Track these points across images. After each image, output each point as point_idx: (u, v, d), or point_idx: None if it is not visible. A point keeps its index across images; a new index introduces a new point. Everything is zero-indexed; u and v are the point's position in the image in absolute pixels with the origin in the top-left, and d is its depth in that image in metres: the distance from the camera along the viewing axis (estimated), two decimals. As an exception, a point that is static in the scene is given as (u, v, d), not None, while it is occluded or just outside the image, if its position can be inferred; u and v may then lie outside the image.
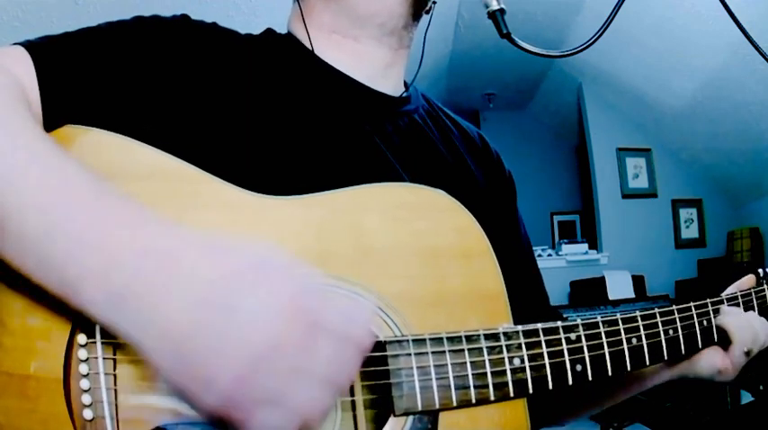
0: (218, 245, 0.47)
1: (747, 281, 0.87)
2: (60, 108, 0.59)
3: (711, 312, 0.78)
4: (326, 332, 0.45)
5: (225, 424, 0.45)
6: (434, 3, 0.79)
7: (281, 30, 0.82)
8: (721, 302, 0.80)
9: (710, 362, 0.79)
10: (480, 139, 0.91)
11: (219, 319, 0.43)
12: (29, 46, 0.61)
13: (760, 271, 0.87)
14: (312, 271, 0.48)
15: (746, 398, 3.18)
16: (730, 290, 0.86)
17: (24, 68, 0.59)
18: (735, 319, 0.78)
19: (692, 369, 0.80)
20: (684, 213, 4.58)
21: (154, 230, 0.47)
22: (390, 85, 0.80)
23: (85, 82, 0.61)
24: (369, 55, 0.78)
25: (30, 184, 0.47)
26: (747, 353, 0.78)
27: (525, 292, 0.81)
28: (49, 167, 0.49)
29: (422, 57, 0.85)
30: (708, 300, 0.79)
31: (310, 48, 0.77)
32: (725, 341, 0.78)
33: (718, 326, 0.78)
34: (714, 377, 0.80)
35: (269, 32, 0.80)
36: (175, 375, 0.44)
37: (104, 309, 0.45)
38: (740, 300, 0.82)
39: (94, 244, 0.45)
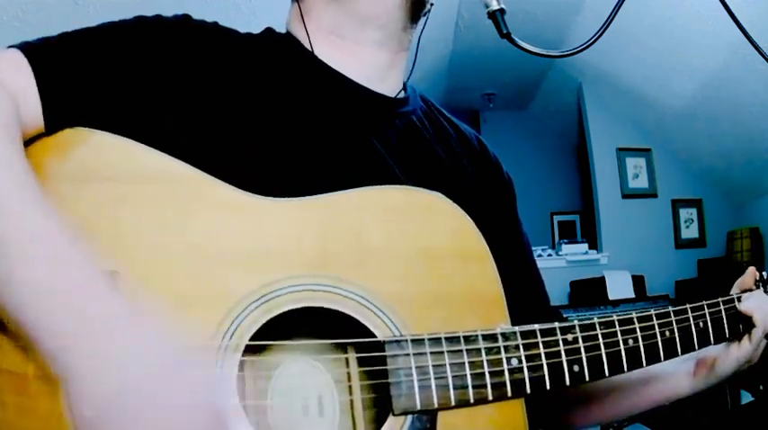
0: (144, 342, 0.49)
1: (750, 275, 0.87)
2: (61, 111, 0.59)
3: (708, 314, 0.79)
4: None
5: None
6: (432, 5, 0.79)
7: (281, 30, 0.82)
8: (717, 304, 0.81)
9: (728, 358, 0.80)
10: (478, 143, 0.91)
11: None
12: (26, 49, 0.60)
13: (758, 274, 0.88)
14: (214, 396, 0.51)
15: (746, 398, 3.18)
16: (734, 290, 0.87)
17: (21, 73, 0.58)
18: (757, 301, 0.81)
19: (714, 375, 0.82)
20: (684, 213, 4.58)
21: (89, 312, 0.48)
22: (389, 87, 0.80)
23: (85, 83, 0.61)
24: (367, 57, 0.78)
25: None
26: (765, 330, 0.80)
27: (525, 294, 0.82)
28: (13, 211, 0.49)
29: (415, 57, 0.85)
30: (704, 302, 0.79)
31: (309, 48, 0.77)
32: (744, 323, 0.80)
33: (742, 313, 0.80)
34: (736, 369, 0.82)
35: (269, 32, 0.80)
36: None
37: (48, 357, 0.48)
38: (736, 302, 0.83)
39: (43, 305, 0.47)
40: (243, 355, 0.56)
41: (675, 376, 0.84)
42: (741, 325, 0.81)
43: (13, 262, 0.48)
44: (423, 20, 0.80)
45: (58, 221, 0.50)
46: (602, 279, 4.04)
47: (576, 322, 0.67)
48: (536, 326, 0.65)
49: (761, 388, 3.06)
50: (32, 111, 0.57)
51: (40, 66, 0.59)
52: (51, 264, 0.48)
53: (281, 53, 0.77)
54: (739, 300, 0.83)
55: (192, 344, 0.53)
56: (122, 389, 0.46)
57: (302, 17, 0.78)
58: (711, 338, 0.79)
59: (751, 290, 0.86)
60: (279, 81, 0.74)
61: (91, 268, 0.50)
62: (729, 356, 0.81)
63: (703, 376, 0.83)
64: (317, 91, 0.75)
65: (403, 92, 0.83)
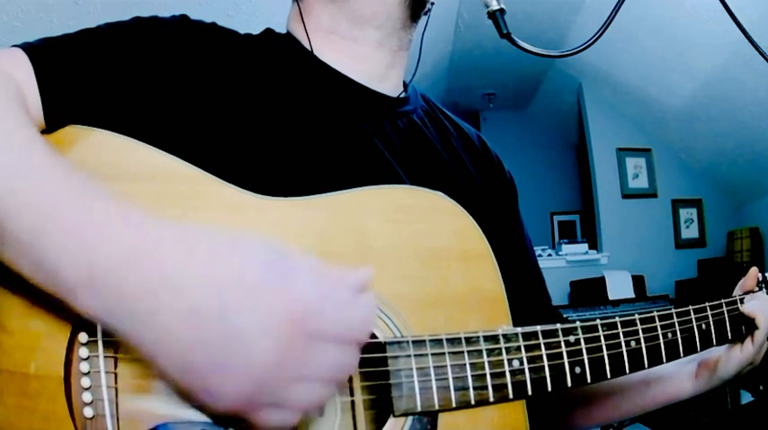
0: (204, 242, 0.46)
1: (752, 276, 0.87)
2: (61, 109, 0.59)
3: (710, 316, 0.79)
4: (325, 340, 0.46)
5: (231, 421, 0.47)
6: (432, 4, 0.79)
7: (281, 30, 0.82)
8: (720, 306, 0.80)
9: (730, 360, 0.81)
10: (480, 142, 0.91)
11: (217, 334, 0.43)
12: (27, 48, 0.61)
13: (760, 276, 0.88)
14: (308, 264, 0.47)
15: (746, 397, 3.18)
16: (736, 291, 0.87)
17: (23, 71, 0.59)
18: (760, 303, 0.81)
19: (717, 377, 0.82)
20: (684, 213, 4.58)
21: (136, 232, 0.46)
22: (390, 86, 0.80)
23: (86, 83, 0.61)
24: (368, 56, 0.78)
25: (22, 186, 0.47)
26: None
27: (527, 293, 0.82)
28: (40, 167, 0.48)
29: (419, 57, 0.85)
30: (706, 304, 0.79)
31: (309, 48, 0.77)
32: (747, 325, 0.80)
33: (742, 314, 0.81)
34: (738, 371, 0.82)
35: (268, 32, 0.80)
36: (180, 381, 0.45)
37: (102, 315, 0.45)
38: (739, 304, 0.83)
39: (78, 251, 0.45)
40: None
41: (678, 378, 0.84)
42: (744, 326, 0.81)
43: (40, 219, 0.45)
44: (424, 19, 0.80)
45: (79, 178, 0.49)
46: (602, 279, 4.04)
47: (577, 323, 0.67)
48: (538, 328, 0.65)
49: (761, 388, 3.06)
50: (33, 109, 0.58)
51: (40, 64, 0.59)
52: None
53: (280, 53, 0.77)
54: (742, 301, 0.83)
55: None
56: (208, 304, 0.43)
57: (302, 17, 0.78)
58: (714, 340, 0.78)
59: (753, 291, 0.86)
60: (279, 81, 0.74)
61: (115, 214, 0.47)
62: (732, 358, 0.81)
63: (705, 378, 0.82)
64: (318, 91, 0.75)
65: (404, 91, 0.83)
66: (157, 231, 0.46)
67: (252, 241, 0.47)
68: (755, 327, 0.80)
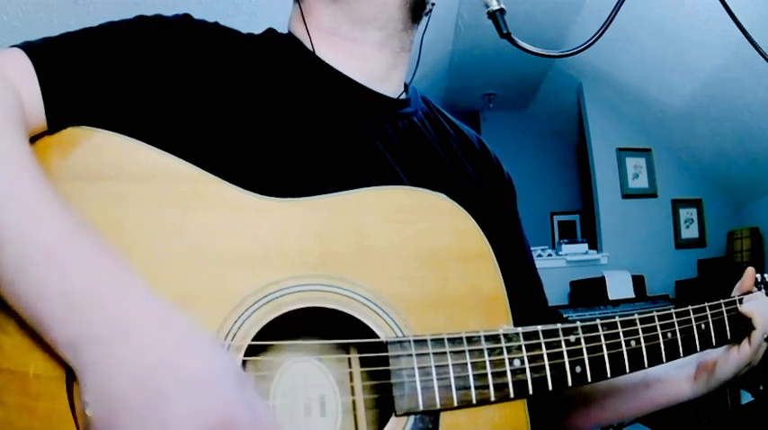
0: (175, 325, 0.48)
1: (749, 277, 0.87)
2: (63, 110, 0.59)
3: (710, 316, 0.79)
4: None
5: None
6: (433, 5, 0.79)
7: (282, 30, 0.82)
8: (719, 306, 0.80)
9: (728, 362, 0.80)
10: (479, 143, 0.91)
11: (150, 408, 0.44)
12: (28, 48, 0.60)
13: (758, 276, 0.88)
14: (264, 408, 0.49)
15: (746, 397, 3.18)
16: (734, 293, 0.86)
17: (24, 72, 0.58)
18: (756, 304, 0.81)
19: (715, 379, 0.82)
20: (684, 213, 4.58)
21: (116, 289, 0.48)
22: (391, 87, 0.80)
23: (87, 82, 0.61)
24: (369, 57, 0.78)
25: (8, 216, 0.48)
26: (767, 339, 0.81)
27: (524, 295, 0.82)
28: (28, 199, 0.49)
29: (418, 58, 0.85)
30: (706, 304, 0.79)
31: (311, 48, 0.77)
32: (745, 325, 0.80)
33: (739, 315, 0.81)
34: (736, 372, 0.82)
35: (270, 32, 0.80)
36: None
37: (63, 352, 0.47)
38: (737, 304, 0.83)
39: (58, 291, 0.46)
40: (245, 356, 0.56)
41: (677, 380, 0.84)
42: (742, 327, 0.81)
43: (23, 250, 0.47)
44: (424, 20, 0.80)
45: (66, 211, 0.50)
46: (602, 279, 4.04)
47: (578, 323, 0.67)
48: (539, 327, 0.65)
49: (761, 388, 3.06)
50: (35, 109, 0.57)
51: (42, 64, 0.59)
52: (62, 253, 0.48)
53: (282, 53, 0.77)
54: (741, 302, 0.83)
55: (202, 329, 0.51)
56: (140, 375, 0.45)
57: (303, 18, 0.78)
58: (713, 340, 0.79)
59: (752, 292, 0.86)
60: (280, 81, 0.74)
61: (101, 254, 0.49)
62: (730, 360, 0.81)
63: (704, 380, 0.83)
64: (319, 91, 0.75)
65: (405, 93, 0.83)
66: (136, 299, 0.48)
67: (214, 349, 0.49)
68: (753, 328, 0.80)
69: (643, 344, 0.71)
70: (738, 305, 0.82)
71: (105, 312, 0.46)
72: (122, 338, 0.46)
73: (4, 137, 0.51)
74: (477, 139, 0.92)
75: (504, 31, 0.73)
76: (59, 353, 0.47)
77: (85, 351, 0.46)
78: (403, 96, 0.82)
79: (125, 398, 0.44)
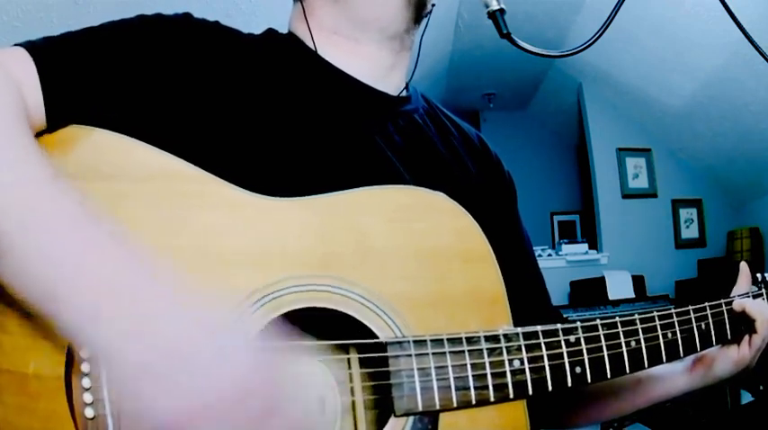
0: (192, 302, 0.48)
1: (744, 275, 0.87)
2: (63, 109, 0.59)
3: (710, 316, 0.79)
4: (280, 420, 0.47)
5: None
6: (433, 5, 0.79)
7: (282, 31, 0.82)
8: (720, 306, 0.80)
9: (726, 359, 0.80)
10: (480, 141, 0.91)
11: (178, 364, 0.45)
12: (30, 47, 0.61)
13: (758, 275, 0.87)
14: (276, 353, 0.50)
15: (746, 397, 3.18)
16: (734, 294, 0.86)
17: (26, 70, 0.59)
18: (760, 306, 0.80)
19: (712, 374, 0.82)
20: (684, 213, 4.58)
21: (131, 269, 0.48)
22: (391, 86, 0.80)
23: (88, 82, 0.61)
24: (370, 57, 0.78)
25: (16, 211, 0.48)
26: (764, 338, 0.80)
27: (526, 293, 0.82)
28: (40, 190, 0.49)
29: (417, 57, 0.85)
30: (706, 304, 0.79)
31: (312, 47, 0.77)
32: (746, 327, 0.80)
33: (739, 315, 0.80)
34: (733, 371, 0.81)
35: (270, 32, 0.80)
36: (131, 384, 0.46)
37: (76, 329, 0.47)
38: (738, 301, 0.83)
39: (77, 280, 0.46)
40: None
41: (672, 373, 0.84)
42: (743, 327, 0.81)
43: (34, 236, 0.47)
44: (424, 20, 0.80)
45: (75, 196, 0.51)
46: (602, 279, 4.04)
47: (578, 323, 0.67)
48: (538, 328, 0.65)
49: (761, 388, 3.06)
50: (36, 107, 0.58)
51: (43, 63, 0.59)
52: (72, 233, 0.48)
53: (283, 52, 0.77)
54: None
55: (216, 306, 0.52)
56: (154, 354, 0.45)
57: (305, 16, 0.78)
58: (713, 340, 0.78)
59: (752, 291, 0.85)
60: (281, 79, 0.74)
61: (115, 238, 0.50)
62: (728, 358, 0.81)
63: (700, 374, 0.82)
64: (320, 89, 0.75)
65: (405, 91, 0.83)
66: (154, 279, 0.49)
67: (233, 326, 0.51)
68: (754, 331, 0.79)
69: (643, 345, 0.71)
70: (738, 302, 0.81)
71: (121, 292, 0.46)
72: (139, 315, 0.46)
73: (9, 129, 0.52)
74: (478, 137, 0.92)
75: (504, 31, 0.73)
76: (71, 337, 0.47)
77: (101, 331, 0.45)
78: (404, 94, 0.82)
79: (146, 371, 0.44)
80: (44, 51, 0.61)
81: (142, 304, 0.46)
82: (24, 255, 0.47)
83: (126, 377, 0.45)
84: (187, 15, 0.72)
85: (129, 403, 0.47)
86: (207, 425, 0.44)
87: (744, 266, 0.87)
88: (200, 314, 0.48)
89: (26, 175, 0.49)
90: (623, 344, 0.69)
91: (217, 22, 0.75)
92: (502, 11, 0.73)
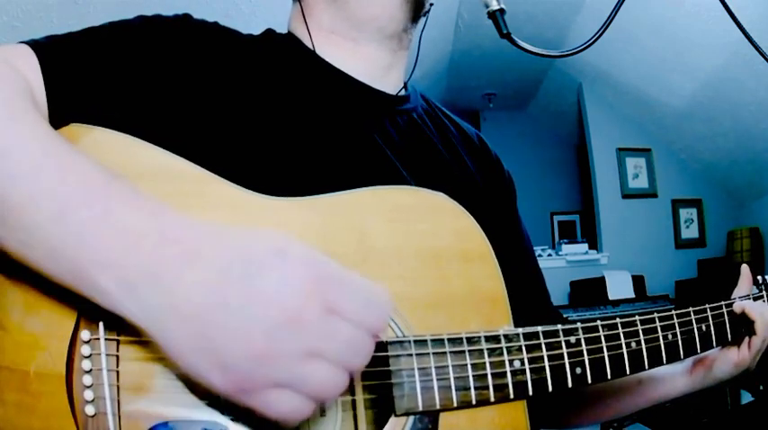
0: (234, 232, 0.47)
1: (745, 277, 0.87)
2: (66, 107, 0.59)
3: (710, 317, 0.79)
4: (344, 317, 0.45)
5: (240, 408, 0.45)
6: (431, 5, 0.79)
7: (281, 31, 0.82)
8: (720, 307, 0.80)
9: (726, 361, 0.80)
10: (479, 140, 0.92)
11: (237, 294, 0.43)
12: (34, 45, 0.61)
13: (759, 278, 0.87)
14: (329, 260, 0.48)
15: (746, 397, 3.19)
16: (734, 296, 0.86)
17: (30, 67, 0.59)
18: (760, 308, 0.80)
19: (711, 376, 0.82)
20: (684, 213, 4.58)
21: (169, 219, 0.47)
22: (390, 85, 0.81)
23: (91, 81, 0.62)
24: (368, 56, 0.78)
25: (45, 174, 0.47)
26: (764, 340, 0.80)
27: (527, 293, 0.82)
28: (62, 159, 0.49)
29: (417, 57, 0.85)
30: (707, 306, 0.79)
31: (311, 47, 0.77)
32: (746, 328, 0.80)
33: (739, 317, 0.80)
34: (733, 373, 0.81)
35: (269, 33, 0.80)
36: (190, 358, 0.44)
37: (117, 295, 0.45)
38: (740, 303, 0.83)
39: (109, 230, 0.45)
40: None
41: (672, 375, 0.84)
42: (743, 329, 0.81)
43: (62, 201, 0.46)
44: (422, 19, 0.80)
45: (94, 162, 0.50)
46: (602, 279, 4.04)
47: (578, 324, 0.67)
48: (539, 328, 0.65)
49: (761, 388, 3.06)
50: (39, 104, 0.58)
51: (47, 62, 0.60)
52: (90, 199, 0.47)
53: (282, 52, 0.77)
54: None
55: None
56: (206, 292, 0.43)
57: (303, 16, 0.78)
58: (714, 342, 0.78)
59: (753, 293, 0.85)
60: (280, 79, 0.74)
61: (141, 195, 0.49)
62: (728, 360, 0.80)
63: (700, 376, 0.82)
64: (319, 88, 0.75)
65: (404, 89, 0.83)
66: (190, 220, 0.48)
67: (282, 235, 0.48)
68: (753, 333, 0.79)
69: (644, 346, 0.71)
70: (738, 304, 0.81)
71: (162, 241, 0.45)
72: (186, 261, 0.44)
73: (29, 111, 0.52)
74: (478, 136, 0.92)
75: (504, 31, 0.73)
76: (109, 304, 0.45)
77: (148, 284, 0.44)
78: (402, 93, 0.82)
79: (209, 304, 0.43)
80: (47, 49, 0.61)
81: (186, 246, 0.45)
82: (50, 239, 0.46)
83: (181, 349, 0.44)
84: (187, 16, 0.73)
85: (195, 368, 0.45)
86: (281, 347, 0.43)
87: (745, 269, 0.87)
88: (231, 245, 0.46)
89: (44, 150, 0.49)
90: (624, 345, 0.69)
91: (216, 23, 0.75)
92: (502, 11, 0.73)
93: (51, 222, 0.46)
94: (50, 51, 0.61)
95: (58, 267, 0.46)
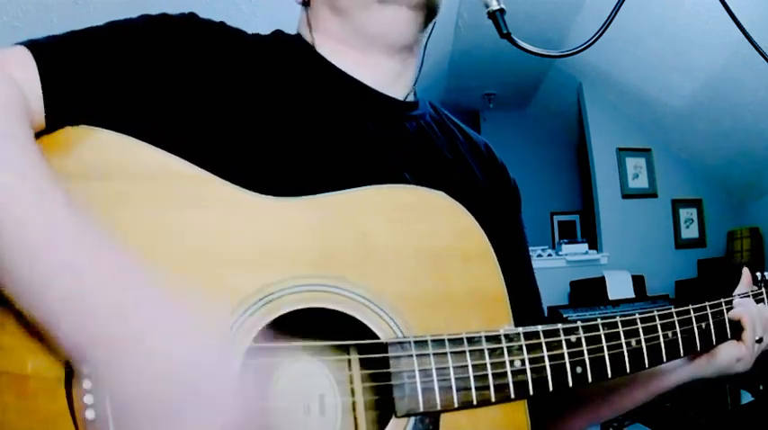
0: (182, 317, 0.50)
1: (746, 277, 0.87)
2: (63, 108, 0.59)
3: (710, 315, 0.79)
4: None
5: None
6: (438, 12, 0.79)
7: (288, 31, 0.82)
8: (719, 305, 0.80)
9: (727, 354, 0.80)
10: (486, 148, 0.91)
11: (164, 411, 0.47)
12: (32, 45, 0.61)
13: (758, 274, 0.88)
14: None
15: (746, 397, 3.18)
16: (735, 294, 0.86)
17: (26, 69, 0.58)
18: (746, 308, 0.81)
19: (711, 366, 0.81)
20: (684, 213, 4.58)
21: (125, 282, 0.50)
22: (398, 92, 0.80)
23: (88, 81, 0.61)
24: (377, 65, 0.77)
25: (13, 215, 0.48)
26: (759, 341, 0.81)
27: (520, 302, 0.81)
28: (39, 196, 0.50)
29: (421, 64, 0.85)
30: (707, 304, 0.79)
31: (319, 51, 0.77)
32: (738, 331, 0.80)
33: (730, 319, 0.80)
34: (734, 367, 0.81)
35: (277, 33, 0.80)
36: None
37: (71, 351, 0.48)
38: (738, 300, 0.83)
39: (69, 292, 0.47)
40: (245, 357, 0.56)
41: (674, 364, 0.84)
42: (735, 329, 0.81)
43: (31, 249, 0.47)
44: (430, 24, 0.80)
45: (72, 209, 0.51)
46: (602, 279, 4.04)
47: (579, 323, 0.67)
48: (539, 328, 0.65)
49: (761, 388, 3.06)
50: (35, 106, 0.57)
51: (44, 62, 0.59)
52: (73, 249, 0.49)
53: (289, 53, 0.76)
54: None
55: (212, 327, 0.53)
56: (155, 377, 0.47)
57: (309, 25, 0.78)
58: (713, 340, 0.79)
59: (752, 291, 0.86)
60: (286, 80, 0.73)
61: (111, 254, 0.51)
62: (729, 350, 0.81)
63: (703, 364, 0.82)
64: (325, 91, 0.75)
65: (413, 96, 0.83)
66: (145, 291, 0.50)
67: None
68: (742, 328, 0.80)
69: (644, 344, 0.71)
70: (733, 313, 0.81)
71: (119, 314, 0.47)
72: (136, 339, 0.47)
73: (12, 133, 0.52)
74: (485, 145, 0.92)
75: (504, 31, 0.73)
76: (65, 353, 0.48)
77: (97, 352, 0.47)
78: (411, 99, 0.82)
79: (139, 401, 0.46)
80: (46, 50, 0.60)
81: (142, 326, 0.48)
82: (20, 275, 0.48)
83: (118, 405, 0.48)
84: (192, 15, 0.72)
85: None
86: None
87: (746, 271, 0.87)
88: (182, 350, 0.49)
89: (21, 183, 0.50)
90: (624, 344, 0.69)
91: (222, 23, 0.75)
92: (502, 11, 0.73)
93: (21, 267, 0.48)
94: (49, 52, 0.60)
95: (29, 307, 0.49)
